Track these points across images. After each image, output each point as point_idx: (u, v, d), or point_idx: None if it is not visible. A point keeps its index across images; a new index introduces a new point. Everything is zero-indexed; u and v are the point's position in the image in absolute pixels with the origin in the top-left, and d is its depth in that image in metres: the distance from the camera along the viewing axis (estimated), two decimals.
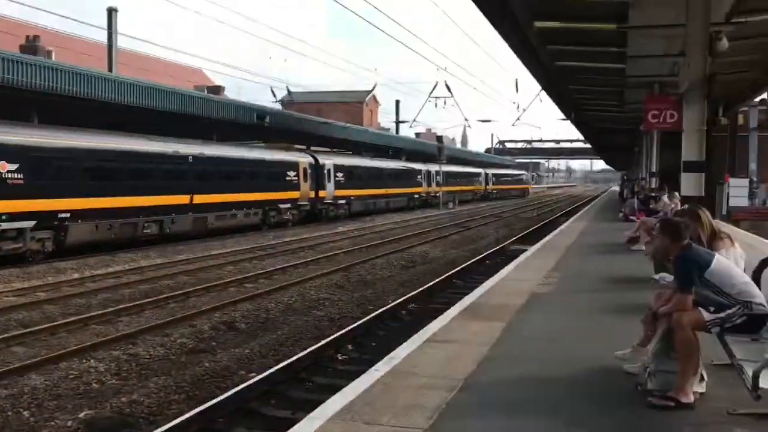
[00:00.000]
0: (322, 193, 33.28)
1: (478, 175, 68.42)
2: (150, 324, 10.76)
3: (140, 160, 22.30)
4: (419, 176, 48.45)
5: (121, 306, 12.23)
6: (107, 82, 23.32)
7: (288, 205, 30.65)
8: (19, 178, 17.62)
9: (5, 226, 17.11)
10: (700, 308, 4.70)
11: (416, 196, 48.02)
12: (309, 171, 32.21)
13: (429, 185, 50.26)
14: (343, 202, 35.37)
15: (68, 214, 18.94)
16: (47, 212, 18.31)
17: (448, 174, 56.14)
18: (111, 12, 32.30)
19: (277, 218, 29.80)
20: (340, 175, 35.10)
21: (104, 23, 32.30)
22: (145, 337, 10.01)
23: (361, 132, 47.28)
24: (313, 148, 36.54)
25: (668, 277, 5.70)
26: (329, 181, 34.09)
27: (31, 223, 17.77)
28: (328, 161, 34.60)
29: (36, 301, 12.71)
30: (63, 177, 19.16)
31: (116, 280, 15.44)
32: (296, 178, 31.32)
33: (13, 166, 17.52)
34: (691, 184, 10.27)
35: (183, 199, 23.62)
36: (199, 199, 24.37)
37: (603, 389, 5.04)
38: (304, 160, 32.32)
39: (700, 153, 10.09)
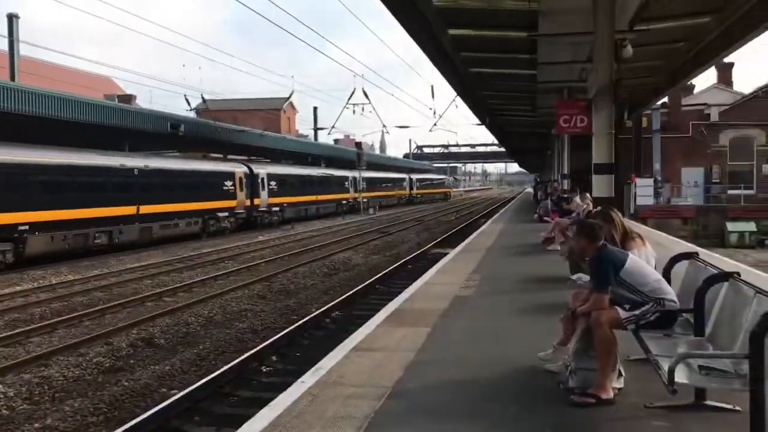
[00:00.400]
0: (257, 201, 34.19)
1: (402, 180, 70.47)
2: (63, 344, 10.30)
3: (90, 173, 23.17)
4: (347, 183, 49.43)
5: (31, 326, 11.65)
6: (9, 92, 22.22)
7: (226, 214, 31.57)
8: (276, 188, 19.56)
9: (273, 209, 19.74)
10: (616, 306, 4.88)
11: (344, 202, 48.72)
12: (244, 180, 33.14)
13: (356, 191, 51.07)
14: (276, 209, 36.22)
15: (27, 227, 19.67)
16: (8, 225, 19.04)
17: (373, 180, 57.58)
18: (12, 18, 30.90)
19: (215, 226, 30.67)
20: (273, 183, 35.82)
21: (4, 30, 30.90)
22: (58, 357, 9.57)
23: (279, 140, 46.82)
24: (229, 156, 36.75)
25: (584, 278, 5.90)
26: (263, 189, 34.84)
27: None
28: (262, 170, 35.31)
29: None
30: (21, 191, 19.80)
31: (25, 299, 14.71)
32: (233, 187, 32.08)
33: (274, 183, 18.87)
34: (601, 185, 10.68)
35: (130, 210, 24.61)
36: (144, 209, 25.30)
37: (527, 389, 5.15)
38: (239, 170, 33.17)
39: (610, 155, 10.52)
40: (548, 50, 14.82)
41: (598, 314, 4.82)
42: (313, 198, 42.68)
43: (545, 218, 21.97)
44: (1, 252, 18.88)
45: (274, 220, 35.96)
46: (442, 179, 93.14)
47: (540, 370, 5.51)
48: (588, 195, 13.73)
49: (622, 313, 4.84)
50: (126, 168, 25.12)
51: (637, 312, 4.86)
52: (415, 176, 75.92)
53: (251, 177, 34.35)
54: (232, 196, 32.37)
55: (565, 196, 18.69)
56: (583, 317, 5.03)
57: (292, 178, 39.86)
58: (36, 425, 6.87)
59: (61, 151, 22.62)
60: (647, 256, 5.73)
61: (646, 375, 5.06)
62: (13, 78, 29.52)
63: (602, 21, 10.54)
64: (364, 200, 51.35)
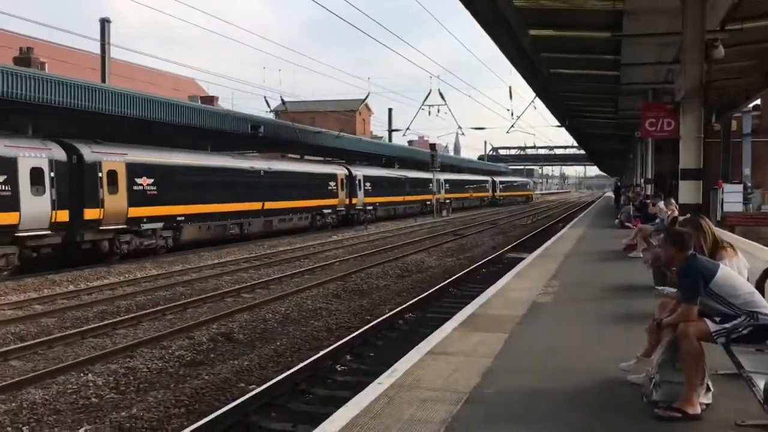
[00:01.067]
0: (354, 201, 38.30)
1: (486, 182, 73.71)
2: (147, 336, 10.70)
3: (227, 174, 27.45)
4: (431, 185, 49.76)
5: (117, 318, 12.17)
6: (101, 93, 23.28)
7: (330, 211, 35.87)
8: (154, 190, 22.59)
9: (145, 227, 22.22)
10: (705, 318, 4.68)
11: (428, 203, 49.62)
12: (345, 181, 37.19)
13: (439, 192, 52.65)
14: (370, 208, 39.94)
15: (183, 218, 24.14)
16: (170, 216, 23.49)
17: (456, 182, 61.43)
18: (104, 23, 32.31)
19: (321, 221, 34.89)
20: (368, 184, 39.61)
21: (97, 34, 32.37)
22: (142, 349, 9.94)
23: (355, 141, 47.30)
24: (303, 157, 38.53)
25: (669, 289, 5.68)
26: (360, 189, 38.72)
27: (161, 225, 23.05)
28: (359, 172, 39.06)
29: (33, 315, 12.64)
30: (179, 189, 24.00)
31: (112, 292, 15.37)
32: (335, 187, 36.28)
33: (151, 180, 22.45)
34: (688, 191, 10.28)
35: (257, 205, 28.95)
36: (268, 205, 29.75)
37: (607, 400, 5.00)
38: (341, 172, 37.18)
39: (698, 160, 10.11)
40: (633, 51, 14.41)
41: (685, 326, 4.64)
42: (401, 198, 46.27)
43: (627, 224, 21.36)
44: (164, 237, 23.41)
45: (368, 218, 38.59)
46: (525, 182, 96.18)
47: (622, 382, 5.35)
48: (673, 201, 13.24)
49: (712, 326, 4.63)
50: (254, 170, 29.44)
51: (728, 325, 4.64)
52: (498, 178, 78.83)
53: (350, 178, 38.28)
54: (335, 195, 36.54)
55: (649, 201, 18.10)
56: (670, 328, 4.86)
57: (384, 180, 43.33)
58: (123, 414, 7.14)
59: (204, 155, 27.88)
60: (739, 266, 5.47)
61: (736, 391, 4.84)
62: (104, 80, 30.88)
63: (691, 21, 10.15)
64: (447, 201, 54.61)
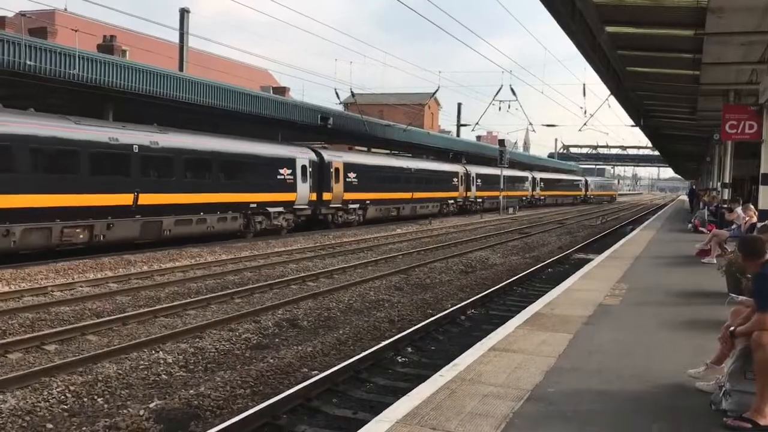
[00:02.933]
0: (468, 194, 42.58)
1: (579, 181, 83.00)
2: (216, 318, 11.02)
3: (394, 171, 36.95)
4: (455, 179, 44.84)
5: (188, 300, 12.57)
6: (178, 81, 24.01)
7: (452, 201, 43.69)
8: (356, 182, 32.01)
9: (350, 206, 31.95)
10: None
11: (451, 201, 44.29)
12: (463, 177, 43.12)
13: (535, 190, 62.16)
14: (480, 200, 38.67)
15: (368, 201, 33.40)
16: (363, 200, 33.06)
17: (552, 180, 69.64)
18: (183, 13, 33.21)
19: (446, 210, 42.37)
20: (479, 181, 39.85)
21: (176, 24, 33.33)
22: (211, 331, 10.25)
23: (423, 135, 47.30)
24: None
25: (743, 297, 5.51)
26: (473, 184, 39.24)
27: (357, 206, 32.61)
28: (473, 170, 39.20)
29: (108, 292, 13.19)
30: (369, 181, 33.39)
31: (183, 274, 15.87)
32: (457, 181, 43.93)
33: (354, 175, 32.06)
34: None
35: (408, 195, 37.93)
36: (416, 195, 38.89)
37: (674, 407, 4.91)
38: (461, 170, 42.81)
39: None
40: (715, 50, 13.89)
41: (759, 335, 4.51)
42: (503, 193, 49.04)
43: (701, 229, 20.71)
44: (357, 213, 32.69)
45: (352, 220, 32.75)
46: (610, 183, 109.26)
47: (690, 389, 5.24)
48: (752, 206, 12.77)
49: None
50: (408, 168, 38.24)
51: None
52: (590, 179, 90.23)
53: (466, 175, 45.63)
54: (456, 188, 44.37)
55: (726, 206, 17.48)
56: (743, 337, 4.72)
57: (490, 177, 46.98)
58: (191, 392, 7.40)
59: (382, 156, 38.71)
60: None
61: None
62: (181, 68, 31.81)
63: None
64: (541, 198, 64.38)
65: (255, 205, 24.89)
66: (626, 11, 12.81)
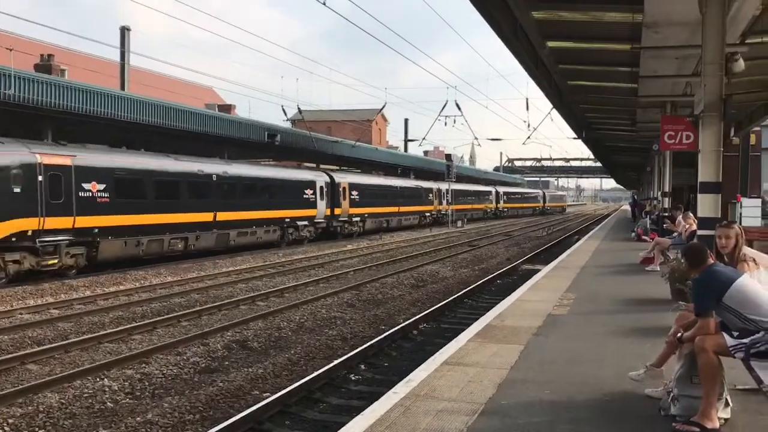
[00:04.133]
0: (440, 207, 44.64)
1: (537, 194, 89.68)
2: (163, 342, 10.73)
3: (385, 189, 42.04)
4: (431, 195, 50.19)
5: (133, 324, 12.22)
6: (120, 100, 23.53)
7: (432, 213, 47.69)
8: (358, 199, 36.88)
9: (354, 219, 36.84)
10: (723, 332, 4.64)
11: (428, 214, 49.64)
12: (435, 192, 44.69)
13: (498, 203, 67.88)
14: (358, 219, 38.00)
15: (367, 215, 38.56)
16: (362, 213, 38.08)
17: (514, 194, 77.63)
18: (124, 31, 32.68)
19: (426, 221, 44.71)
20: (355, 193, 37.59)
21: (117, 41, 32.75)
22: (157, 355, 9.97)
23: (371, 150, 47.53)
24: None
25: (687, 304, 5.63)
26: (345, 199, 36.46)
27: (359, 218, 37.66)
28: (344, 180, 36.92)
29: (49, 319, 12.73)
30: (367, 197, 38.30)
31: (128, 298, 15.46)
32: (432, 197, 46.41)
33: (356, 193, 36.79)
34: (707, 204, 10.15)
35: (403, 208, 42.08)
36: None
37: (625, 414, 4.97)
38: (434, 186, 44.43)
39: (717, 174, 9.99)
40: (651, 63, 14.32)
41: (702, 340, 4.61)
42: (396, 209, 45.17)
43: (644, 237, 21.25)
44: (358, 225, 37.66)
45: (354, 231, 37.78)
46: (562, 195, 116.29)
47: (639, 395, 5.31)
48: (691, 214, 13.14)
49: (729, 340, 4.59)
50: (394, 186, 43.28)
51: (746, 340, 4.59)
52: (548, 192, 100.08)
53: (438, 191, 50.19)
54: (431, 203, 49.39)
55: (666, 214, 17.98)
56: (690, 342, 4.82)
57: (375, 189, 42.78)
58: (138, 419, 7.17)
59: (381, 177, 43.83)
60: (761, 280, 5.41)
61: (756, 406, 4.82)
62: (123, 87, 31.21)
63: (711, 34, 10.06)
64: (505, 210, 71.23)
65: (288, 220, 30.42)
66: (566, 26, 13.11)
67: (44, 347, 10.41)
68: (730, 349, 4.60)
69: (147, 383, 8.65)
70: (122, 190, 20.56)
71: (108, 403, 7.85)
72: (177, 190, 23.24)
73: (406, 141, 66.19)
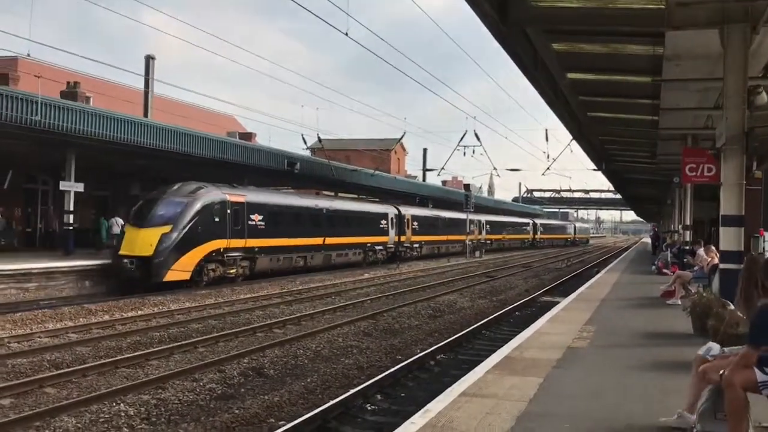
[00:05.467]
0: (402, 238, 42.18)
1: (567, 227, 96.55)
2: (179, 368, 10.72)
3: (438, 220, 48.66)
4: (472, 225, 54.65)
5: (150, 349, 12.24)
6: (144, 127, 23.89)
7: (380, 247, 40.85)
8: (418, 228, 43.59)
9: (414, 246, 43.27)
10: (754, 368, 4.54)
11: (468, 242, 53.97)
12: (393, 219, 41.38)
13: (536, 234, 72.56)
14: (417, 245, 44.08)
15: (423, 242, 45.12)
16: (421, 241, 44.58)
17: (549, 226, 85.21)
18: (148, 59, 33.28)
19: (372, 258, 38.48)
20: (415, 224, 43.49)
21: (141, 70, 33.33)
22: (174, 381, 9.95)
23: (390, 180, 47.72)
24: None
25: (714, 349, 5.44)
26: (408, 228, 42.27)
27: (418, 245, 44.23)
28: (408, 212, 42.83)
29: (68, 343, 12.79)
30: (427, 227, 45.62)
31: (146, 323, 15.50)
32: (386, 224, 40.55)
33: (416, 224, 43.39)
34: (729, 238, 10.06)
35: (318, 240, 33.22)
36: (331, 240, 33.16)
37: None
38: (391, 210, 41.57)
39: (739, 207, 9.92)
40: (672, 96, 14.33)
41: (732, 374, 4.50)
42: (444, 237, 50.42)
43: (665, 270, 21.01)
44: (417, 250, 43.64)
45: (414, 255, 43.75)
46: (586, 227, 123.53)
47: (662, 429, 5.19)
48: (713, 248, 12.99)
49: (760, 376, 4.48)
50: (442, 216, 49.06)
51: None
52: (578, 224, 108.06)
53: (478, 222, 55.84)
54: (471, 232, 52.97)
55: (688, 248, 17.79)
56: (712, 377, 4.73)
57: (429, 219, 47.82)
58: None
59: (428, 209, 48.36)
60: None
61: None
62: (146, 114, 31.69)
63: (733, 67, 10.07)
64: (541, 241, 77.32)
65: (369, 245, 36.76)
66: (586, 59, 13.18)
67: (62, 371, 10.44)
68: (759, 385, 4.50)
69: (163, 409, 8.63)
70: (271, 220, 26.63)
71: (124, 429, 7.83)
72: (301, 220, 29.73)
73: (425, 170, 66.32)
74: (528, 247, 72.00)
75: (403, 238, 41.31)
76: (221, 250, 23.55)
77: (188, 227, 22.03)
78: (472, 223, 54.45)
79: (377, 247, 37.77)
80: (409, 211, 42.90)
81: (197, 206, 22.56)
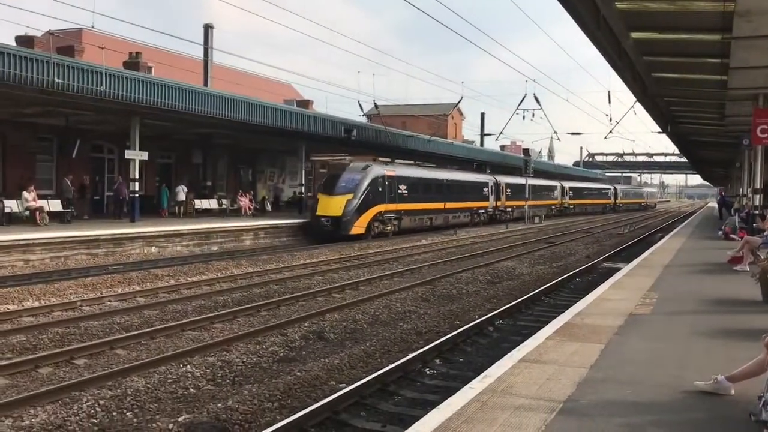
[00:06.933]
0: (498, 203, 47.26)
1: (644, 192, 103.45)
2: (243, 331, 11.02)
3: (527, 186, 48.90)
4: (555, 191, 62.10)
5: (214, 313, 12.60)
6: (204, 96, 24.28)
7: (482, 210, 45.96)
8: (510, 194, 48.22)
9: (508, 209, 48.24)
10: None
11: (553, 207, 61.27)
12: (492, 187, 46.44)
13: (562, 198, 67.01)
14: (510, 210, 48.76)
15: (513, 208, 49.22)
16: (512, 206, 48.72)
17: (629, 192, 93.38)
18: (207, 29, 33.63)
19: (476, 219, 43.98)
20: (509, 190, 48.64)
21: (201, 39, 33.74)
22: (238, 344, 10.25)
23: (446, 145, 47.40)
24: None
25: None
26: (503, 194, 47.67)
27: (511, 208, 48.37)
28: (502, 180, 47.89)
29: (136, 306, 13.27)
30: (517, 193, 48.99)
31: (210, 287, 15.94)
32: (486, 191, 45.94)
33: (509, 190, 48.37)
34: None
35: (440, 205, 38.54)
36: (449, 205, 39.19)
37: (711, 419, 4.78)
38: (491, 179, 46.66)
39: None
40: (743, 54, 13.68)
41: None
42: (531, 202, 53.50)
43: (732, 236, 20.36)
44: (509, 213, 47.67)
45: (507, 218, 47.65)
46: (654, 192, 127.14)
47: (727, 400, 5.10)
48: None
49: None
50: (530, 184, 49.42)
51: None
52: (648, 190, 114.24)
53: (497, 185, 50.17)
54: (556, 198, 61.77)
55: (757, 212, 17.16)
56: None
57: (518, 186, 50.03)
58: (219, 405, 7.39)
59: (517, 177, 49.81)
60: None
61: None
62: (206, 83, 32.16)
63: None
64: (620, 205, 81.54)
65: (474, 208, 42.82)
66: (651, 17, 12.68)
67: (131, 333, 10.86)
68: None
69: (228, 370, 8.91)
70: (411, 189, 33.59)
71: (191, 389, 8.13)
72: (430, 189, 36.33)
73: (482, 135, 65.55)
74: (609, 211, 76.51)
75: (498, 204, 47.11)
76: (382, 212, 30.97)
77: (363, 195, 29.39)
78: (554, 189, 61.55)
79: (480, 211, 44.15)
80: (504, 179, 48.45)
81: (368, 179, 29.90)
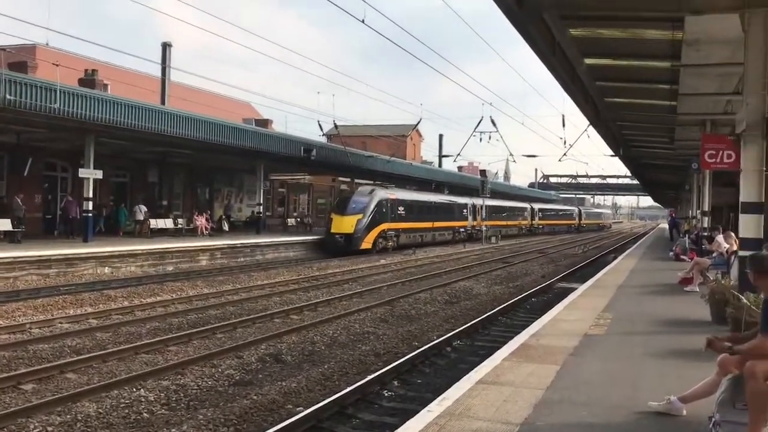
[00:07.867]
0: (475, 223, 50.95)
1: (571, 213, 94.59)
2: (198, 354, 10.83)
3: (506, 208, 57.85)
4: (525, 212, 67.37)
5: (169, 335, 12.36)
6: (161, 115, 24.01)
7: (462, 229, 49.83)
8: (484, 214, 50.02)
9: (482, 228, 48.66)
10: None
11: (523, 228, 66.22)
12: (470, 208, 50.71)
13: (532, 219, 71.20)
14: (485, 228, 50.68)
15: (488, 227, 49.63)
16: (486, 225, 49.61)
17: (590, 213, 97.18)
18: (165, 47, 33.37)
19: (458, 237, 47.83)
20: (483, 211, 51.01)
21: (155, 56, 33.45)
22: (193, 367, 10.06)
23: (405, 166, 47.72)
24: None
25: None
26: (479, 215, 50.85)
27: (484, 228, 48.72)
28: (479, 202, 50.52)
29: (88, 329, 12.94)
30: (493, 213, 52.92)
31: (165, 309, 15.65)
32: (466, 212, 50.42)
33: (485, 212, 49.75)
34: (749, 225, 9.93)
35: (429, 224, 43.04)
36: (436, 224, 43.86)
37: None
38: (469, 201, 50.93)
39: (759, 194, 9.79)
40: (691, 81, 14.15)
41: (753, 364, 4.48)
42: (502, 223, 58.79)
43: (682, 257, 20.88)
44: (483, 232, 48.31)
45: (481, 236, 49.62)
46: (609, 214, 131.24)
47: (680, 421, 5.20)
48: (733, 234, 12.88)
49: None
50: (502, 206, 57.74)
51: None
52: (605, 211, 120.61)
53: (474, 206, 53.28)
54: (520, 218, 64.93)
55: (706, 234, 17.64)
56: (734, 365, 4.70)
57: (492, 208, 54.06)
58: (173, 430, 7.24)
59: (491, 199, 51.74)
60: None
61: None
62: (163, 102, 31.83)
63: (754, 52, 9.90)
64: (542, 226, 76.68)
65: (456, 227, 47.84)
66: (604, 44, 13.03)
67: (83, 356, 10.58)
68: None
69: (182, 394, 8.74)
70: (407, 211, 38.58)
71: (144, 414, 7.95)
72: (422, 210, 41.29)
73: (441, 156, 66.18)
74: (573, 231, 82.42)
75: (475, 223, 51.24)
76: (385, 230, 35.87)
77: (371, 215, 34.25)
78: (527, 210, 67.51)
79: (461, 229, 48.92)
80: (480, 201, 51.23)
81: (375, 201, 35.02)
